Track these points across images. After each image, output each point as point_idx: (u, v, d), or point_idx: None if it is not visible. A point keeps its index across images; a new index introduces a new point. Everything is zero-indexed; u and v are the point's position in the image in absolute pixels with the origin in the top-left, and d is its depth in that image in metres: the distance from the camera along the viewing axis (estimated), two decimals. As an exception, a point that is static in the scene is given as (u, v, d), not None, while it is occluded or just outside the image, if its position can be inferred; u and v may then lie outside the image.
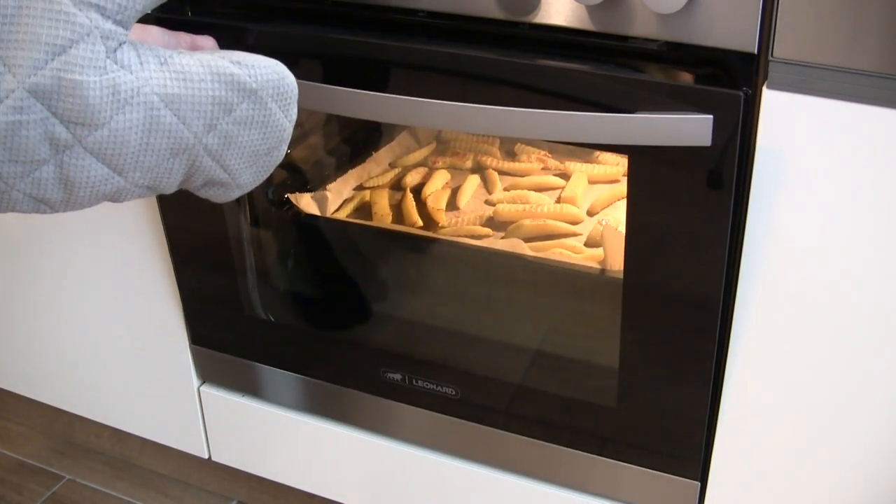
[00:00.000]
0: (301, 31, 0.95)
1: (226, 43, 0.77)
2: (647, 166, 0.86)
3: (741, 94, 0.79)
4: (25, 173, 0.51)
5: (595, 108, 0.83)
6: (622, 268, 1.04)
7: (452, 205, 1.24)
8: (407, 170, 1.29)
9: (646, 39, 0.83)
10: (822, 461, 0.93)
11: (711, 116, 0.79)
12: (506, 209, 1.20)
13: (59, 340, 1.35)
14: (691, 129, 0.80)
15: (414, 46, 0.90)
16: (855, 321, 0.85)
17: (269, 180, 1.17)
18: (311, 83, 0.90)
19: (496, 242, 1.16)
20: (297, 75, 0.71)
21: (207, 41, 0.76)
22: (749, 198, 0.84)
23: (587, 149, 1.29)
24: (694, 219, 0.86)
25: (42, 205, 0.54)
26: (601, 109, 0.83)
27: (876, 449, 0.90)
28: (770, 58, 0.79)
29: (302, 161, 1.25)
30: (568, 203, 1.20)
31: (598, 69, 0.83)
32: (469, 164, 1.30)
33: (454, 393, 1.09)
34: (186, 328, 1.22)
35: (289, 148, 1.20)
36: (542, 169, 1.28)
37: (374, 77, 0.93)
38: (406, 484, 1.19)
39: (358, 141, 1.32)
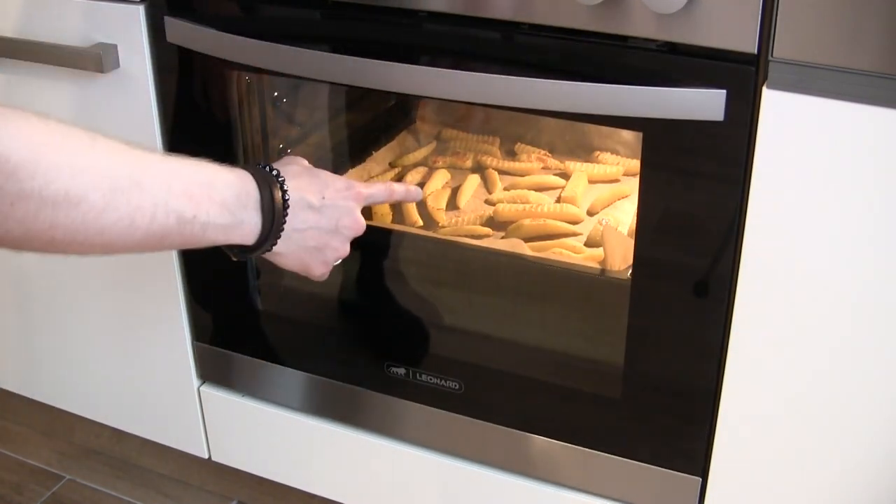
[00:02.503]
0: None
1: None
2: (660, 145, 0.86)
3: (754, 69, 0.80)
4: None
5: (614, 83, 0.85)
6: (622, 267, 1.04)
7: (452, 204, 1.24)
8: (407, 169, 1.29)
9: (646, 39, 0.83)
10: (822, 458, 0.93)
11: (725, 91, 0.80)
12: (506, 209, 1.20)
13: (59, 340, 1.35)
14: (705, 102, 0.81)
15: (434, 26, 0.92)
16: (855, 321, 0.85)
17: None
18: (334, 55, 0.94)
19: (496, 242, 1.16)
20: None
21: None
22: (749, 196, 0.84)
23: (589, 148, 1.29)
24: (704, 199, 0.87)
25: None
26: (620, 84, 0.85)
27: (876, 446, 0.90)
28: (770, 58, 0.79)
29: (302, 161, 1.25)
30: (568, 203, 1.20)
31: (617, 43, 0.85)
32: (469, 163, 1.30)
33: (458, 387, 1.09)
34: (189, 325, 1.23)
35: (289, 148, 1.22)
36: (542, 168, 1.28)
37: (399, 51, 0.95)
38: (406, 484, 1.19)
39: (358, 140, 1.32)
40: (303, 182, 0.88)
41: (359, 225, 0.92)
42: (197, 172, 0.79)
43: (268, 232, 0.84)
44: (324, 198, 0.89)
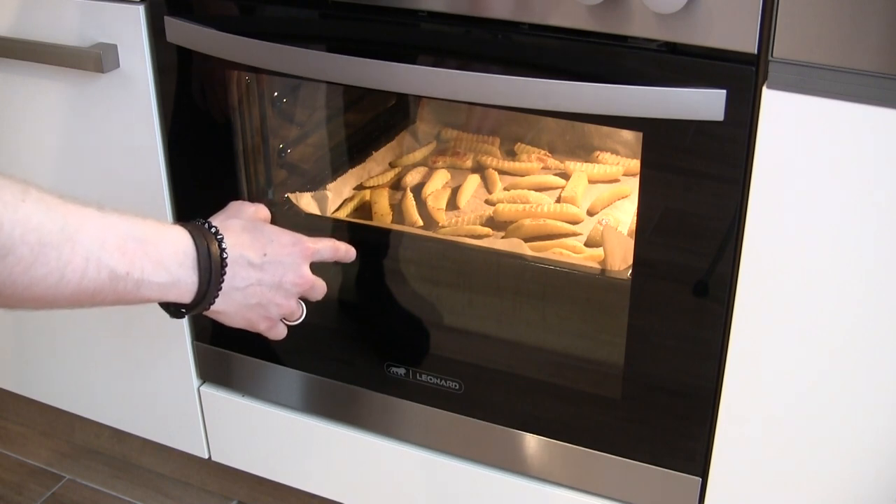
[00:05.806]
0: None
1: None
2: (660, 145, 0.86)
3: (754, 69, 0.80)
4: None
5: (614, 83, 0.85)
6: (622, 267, 1.04)
7: (452, 204, 1.24)
8: (407, 169, 1.29)
9: (646, 39, 0.83)
10: (822, 458, 0.93)
11: (725, 91, 0.80)
12: (506, 209, 1.20)
13: (59, 340, 1.35)
14: (705, 102, 0.81)
15: (434, 26, 0.92)
16: (855, 321, 0.85)
17: (270, 180, 1.17)
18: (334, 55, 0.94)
19: (496, 242, 1.16)
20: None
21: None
22: (749, 196, 0.84)
23: (589, 148, 1.29)
24: (704, 199, 0.87)
25: None
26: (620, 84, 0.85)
27: (877, 446, 0.90)
28: (770, 58, 0.79)
29: (302, 160, 1.25)
30: (568, 203, 1.20)
31: (617, 43, 0.85)
32: (469, 163, 1.30)
33: (457, 387, 1.09)
34: (189, 325, 1.23)
35: (289, 148, 1.22)
36: (542, 168, 1.28)
37: (399, 51, 0.95)
38: (406, 484, 1.19)
39: (358, 140, 1.32)
40: (244, 238, 0.85)
41: (304, 280, 0.89)
42: (133, 228, 0.77)
43: (205, 291, 0.82)
44: (265, 254, 0.86)
